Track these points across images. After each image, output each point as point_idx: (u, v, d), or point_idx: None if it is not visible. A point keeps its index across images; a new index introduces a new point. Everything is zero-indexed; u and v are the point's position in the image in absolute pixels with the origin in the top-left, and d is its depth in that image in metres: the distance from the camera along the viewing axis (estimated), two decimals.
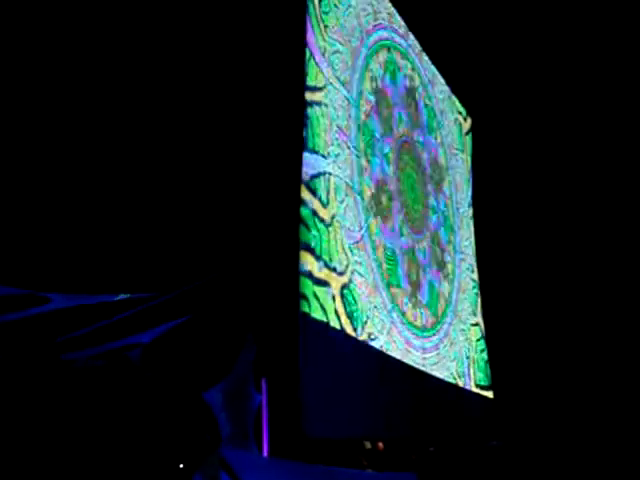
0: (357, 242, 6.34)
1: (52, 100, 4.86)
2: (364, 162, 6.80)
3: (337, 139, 6.27)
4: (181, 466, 4.47)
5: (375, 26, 7.48)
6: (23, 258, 4.34)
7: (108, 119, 5.21)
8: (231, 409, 5.70)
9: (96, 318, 4.64)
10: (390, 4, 7.91)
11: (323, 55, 6.16)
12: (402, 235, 7.40)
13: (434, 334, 7.83)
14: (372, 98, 7.18)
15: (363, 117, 6.94)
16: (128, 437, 4.58)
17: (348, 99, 6.61)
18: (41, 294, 4.25)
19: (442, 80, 9.18)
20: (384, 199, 7.08)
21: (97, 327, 4.66)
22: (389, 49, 7.77)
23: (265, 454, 5.84)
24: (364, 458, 6.31)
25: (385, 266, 6.92)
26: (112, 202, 5.05)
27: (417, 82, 8.43)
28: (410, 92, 8.19)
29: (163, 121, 5.56)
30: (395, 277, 7.13)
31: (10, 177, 4.29)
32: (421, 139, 8.36)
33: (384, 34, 7.68)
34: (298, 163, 5.74)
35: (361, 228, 6.48)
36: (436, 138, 8.81)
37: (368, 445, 6.42)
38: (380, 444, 6.46)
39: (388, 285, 6.91)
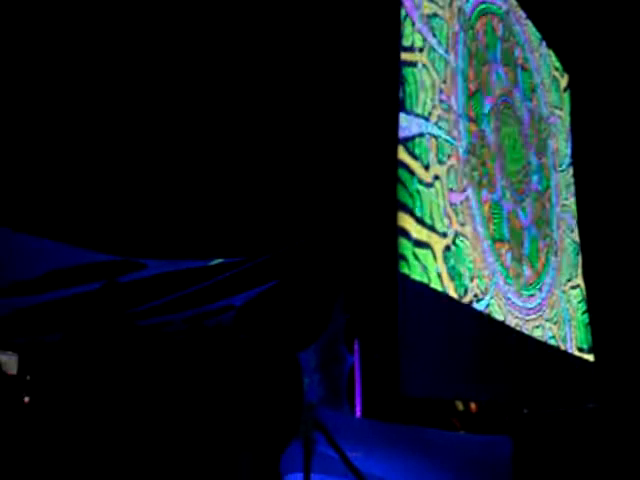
0: (461, 203, 6.31)
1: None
2: (470, 125, 6.76)
3: (440, 100, 6.22)
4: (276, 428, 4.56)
5: None
6: (120, 226, 4.50)
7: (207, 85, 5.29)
8: (324, 370, 5.83)
9: (190, 283, 4.79)
10: None
11: (421, 16, 6.10)
12: (504, 197, 7.33)
13: (537, 292, 7.75)
14: (474, 62, 7.11)
15: (471, 87, 6.90)
16: (223, 400, 4.72)
17: (449, 62, 6.55)
18: (138, 260, 4.41)
19: (539, 35, 8.94)
20: (485, 160, 7.01)
21: (192, 291, 4.82)
22: (487, 14, 7.62)
23: (358, 415, 5.95)
24: (456, 419, 6.32)
25: (492, 223, 6.88)
26: (206, 168, 5.16)
27: (514, 43, 8.24)
28: (507, 53, 8.02)
29: (261, 88, 5.60)
30: (500, 231, 7.09)
31: (104, 147, 4.45)
32: (520, 97, 8.19)
33: None
34: (394, 124, 5.73)
35: (465, 189, 6.45)
36: (532, 100, 8.61)
37: (460, 406, 6.43)
38: (473, 405, 6.45)
39: (494, 241, 6.87)
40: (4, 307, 4.27)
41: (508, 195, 7.41)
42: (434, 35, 6.31)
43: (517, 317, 7.12)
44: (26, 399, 4.67)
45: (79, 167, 4.23)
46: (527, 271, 7.62)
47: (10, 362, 4.82)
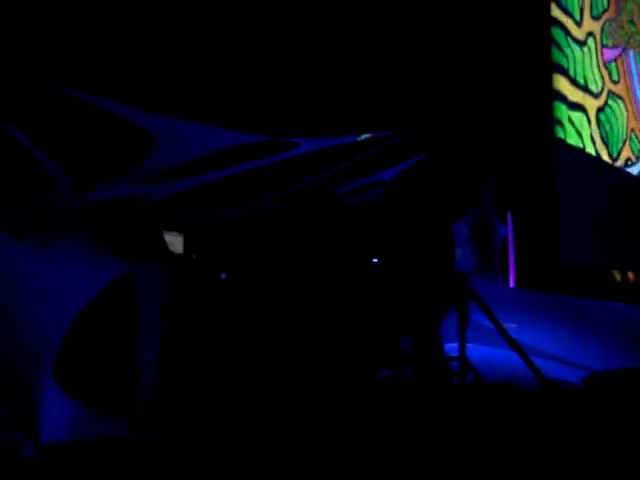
0: (616, 59, 5.99)
1: None
2: None
3: None
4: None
5: None
6: (271, 106, 4.57)
7: None
8: (477, 241, 5.81)
9: (341, 159, 4.83)
10: None
11: None
12: None
13: None
14: None
15: None
16: (380, 271, 4.83)
17: None
18: (290, 139, 4.47)
19: None
20: None
21: (341, 168, 4.86)
22: None
23: (512, 285, 5.94)
24: (613, 289, 6.19)
25: None
26: (354, 43, 5.12)
27: None
28: None
29: None
30: None
31: (256, 32, 4.48)
32: None
33: None
34: None
35: (621, 44, 6.10)
36: None
37: (618, 276, 6.28)
38: (631, 275, 6.29)
39: None
40: (166, 190, 4.47)
41: None
42: None
43: None
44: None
45: (230, 50, 4.29)
46: None
47: (175, 241, 5.07)
